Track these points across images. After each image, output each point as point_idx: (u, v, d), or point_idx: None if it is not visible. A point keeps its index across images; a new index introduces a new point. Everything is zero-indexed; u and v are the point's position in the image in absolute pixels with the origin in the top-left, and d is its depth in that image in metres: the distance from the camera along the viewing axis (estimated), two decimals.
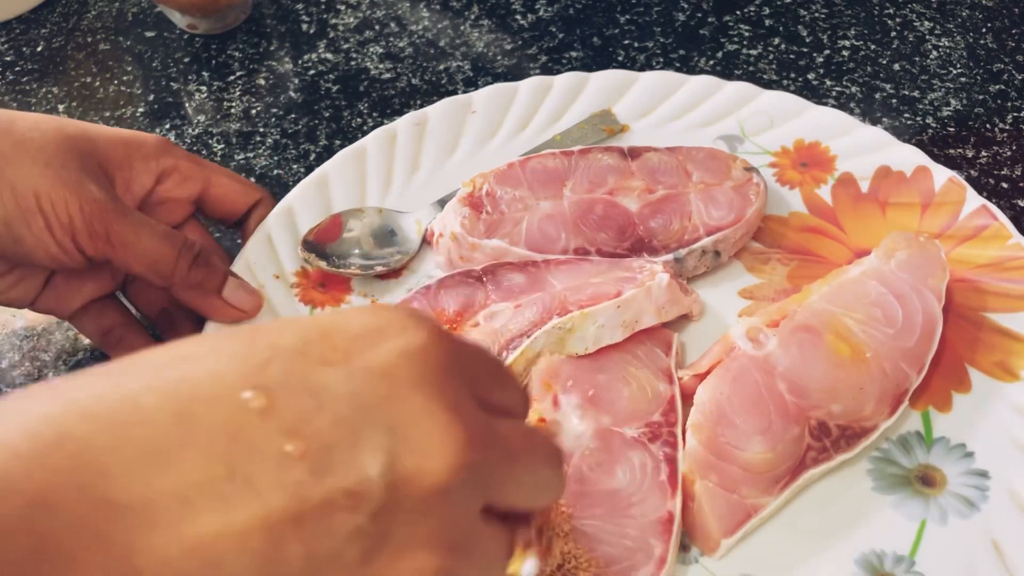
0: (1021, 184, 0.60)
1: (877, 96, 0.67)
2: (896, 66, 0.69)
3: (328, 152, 0.66)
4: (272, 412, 0.23)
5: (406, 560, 0.25)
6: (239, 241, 0.57)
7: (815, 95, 0.67)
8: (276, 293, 0.54)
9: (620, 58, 0.71)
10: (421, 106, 0.68)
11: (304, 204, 0.57)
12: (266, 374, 0.24)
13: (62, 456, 0.22)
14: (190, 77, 0.72)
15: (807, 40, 0.71)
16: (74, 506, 0.21)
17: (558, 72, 0.69)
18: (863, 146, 0.58)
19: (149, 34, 0.75)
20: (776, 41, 0.71)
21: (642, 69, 0.70)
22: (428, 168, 0.60)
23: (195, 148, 0.67)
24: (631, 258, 0.53)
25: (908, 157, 0.57)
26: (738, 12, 0.73)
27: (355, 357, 0.25)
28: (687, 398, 0.47)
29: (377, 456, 0.24)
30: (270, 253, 0.55)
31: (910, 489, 0.46)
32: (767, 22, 0.72)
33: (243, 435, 0.23)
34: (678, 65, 0.70)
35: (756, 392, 0.46)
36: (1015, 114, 0.65)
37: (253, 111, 0.69)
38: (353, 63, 0.72)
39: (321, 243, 0.55)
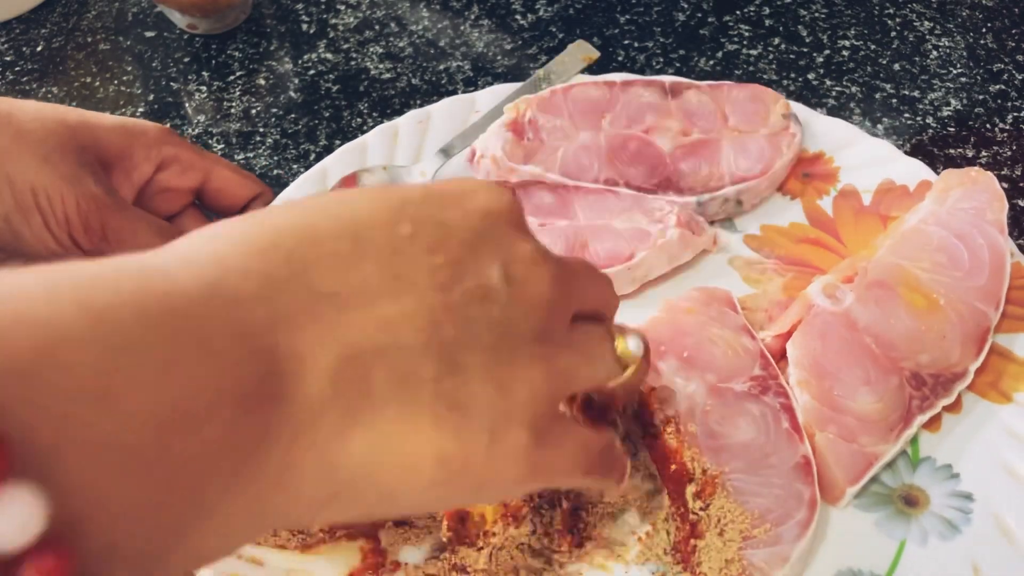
0: (1021, 184, 0.60)
1: (877, 96, 0.66)
2: (896, 66, 0.68)
3: (328, 152, 0.65)
4: (417, 237, 0.30)
5: (525, 348, 0.31)
6: None
7: (815, 95, 0.66)
8: None
9: (620, 58, 0.70)
10: (421, 106, 0.68)
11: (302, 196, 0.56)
12: (406, 212, 0.31)
13: (277, 255, 0.28)
14: (190, 77, 0.71)
15: (807, 40, 0.70)
16: (293, 290, 0.27)
17: None
18: (867, 159, 0.57)
19: (149, 34, 0.74)
20: (776, 41, 0.70)
21: (642, 69, 0.69)
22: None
23: None
24: (653, 196, 0.53)
25: (912, 171, 0.55)
26: (738, 12, 0.72)
27: (465, 202, 0.33)
28: (774, 356, 0.48)
29: (495, 264, 0.31)
30: None
31: (892, 508, 0.44)
32: (767, 22, 0.71)
33: (401, 251, 0.30)
34: (678, 65, 0.69)
35: (846, 346, 0.46)
36: (1015, 114, 0.64)
37: (253, 111, 0.68)
38: (353, 63, 0.71)
39: None
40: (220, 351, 0.25)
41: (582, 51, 0.64)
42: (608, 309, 0.38)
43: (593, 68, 0.68)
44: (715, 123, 0.56)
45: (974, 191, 0.51)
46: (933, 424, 0.47)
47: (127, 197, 0.50)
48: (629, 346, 0.36)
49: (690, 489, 0.43)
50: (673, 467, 0.44)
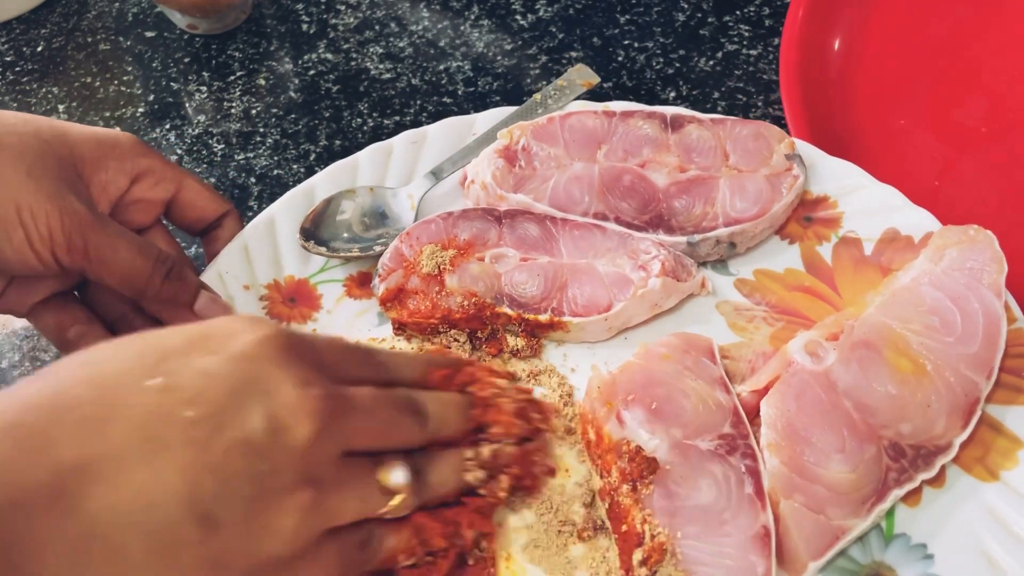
0: None
1: None
2: None
3: (328, 152, 0.63)
4: (172, 390, 0.30)
5: (288, 498, 0.31)
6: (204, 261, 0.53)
7: None
8: (244, 305, 0.50)
9: (620, 58, 0.67)
10: (421, 106, 0.66)
11: (287, 216, 0.53)
12: (165, 364, 0.30)
13: (20, 432, 0.27)
14: (190, 77, 0.68)
15: None
16: (33, 470, 0.27)
17: (558, 72, 0.69)
18: (873, 205, 0.51)
19: (149, 34, 0.71)
20: (776, 41, 0.67)
21: (642, 69, 0.66)
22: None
23: (195, 148, 0.64)
24: (642, 236, 0.50)
25: (918, 222, 0.50)
26: (738, 12, 0.69)
27: (227, 345, 0.32)
28: (748, 413, 0.44)
29: (258, 412, 0.31)
30: (244, 263, 0.51)
31: None
32: (767, 22, 0.68)
33: (154, 408, 0.29)
34: (678, 65, 0.66)
35: (823, 409, 0.42)
36: None
37: (253, 111, 0.66)
38: (353, 63, 0.68)
39: (317, 229, 0.52)
40: None
41: (582, 76, 0.60)
42: (387, 444, 0.36)
43: (593, 68, 0.67)
44: (714, 160, 0.52)
45: (972, 250, 0.47)
46: (912, 497, 0.43)
47: (104, 211, 0.47)
48: (392, 478, 0.36)
49: (637, 555, 0.40)
50: (624, 527, 0.41)
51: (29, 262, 0.43)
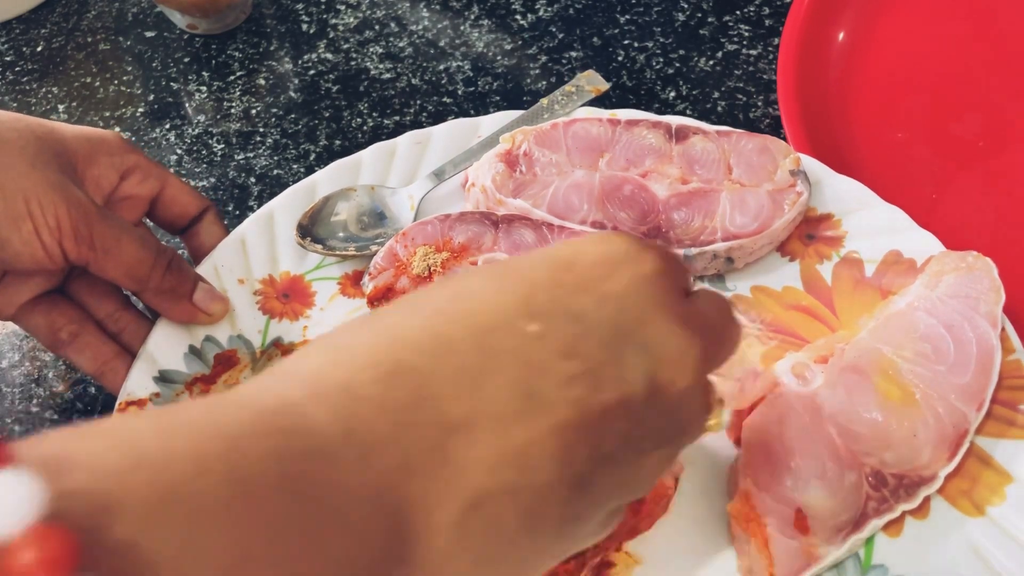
0: None
1: None
2: None
3: (328, 152, 0.62)
4: (548, 337, 0.27)
5: (657, 454, 0.29)
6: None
7: None
8: (237, 299, 0.50)
9: (620, 58, 0.66)
10: (421, 106, 0.65)
11: (286, 212, 0.52)
12: (535, 303, 0.27)
13: (404, 383, 0.25)
14: (190, 77, 0.67)
15: None
16: (423, 428, 0.25)
17: (558, 72, 0.69)
18: (878, 226, 0.50)
19: (149, 34, 0.70)
20: (776, 41, 0.65)
21: (642, 69, 0.65)
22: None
23: (195, 148, 0.63)
24: None
25: (922, 245, 0.49)
26: (738, 12, 0.67)
27: (600, 284, 0.28)
28: (731, 434, 0.44)
29: (639, 371, 0.28)
30: (241, 257, 0.51)
31: None
32: (767, 22, 0.67)
33: (532, 359, 0.26)
34: (678, 65, 0.65)
35: (805, 433, 0.41)
36: None
37: (253, 111, 0.65)
38: (353, 63, 0.67)
39: (313, 226, 0.52)
40: (355, 521, 0.23)
41: (591, 82, 0.59)
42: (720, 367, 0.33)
43: (593, 68, 0.67)
44: (717, 173, 0.51)
45: (969, 278, 0.46)
46: (894, 528, 0.41)
47: None
48: (724, 420, 0.33)
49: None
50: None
51: (36, 254, 0.42)
